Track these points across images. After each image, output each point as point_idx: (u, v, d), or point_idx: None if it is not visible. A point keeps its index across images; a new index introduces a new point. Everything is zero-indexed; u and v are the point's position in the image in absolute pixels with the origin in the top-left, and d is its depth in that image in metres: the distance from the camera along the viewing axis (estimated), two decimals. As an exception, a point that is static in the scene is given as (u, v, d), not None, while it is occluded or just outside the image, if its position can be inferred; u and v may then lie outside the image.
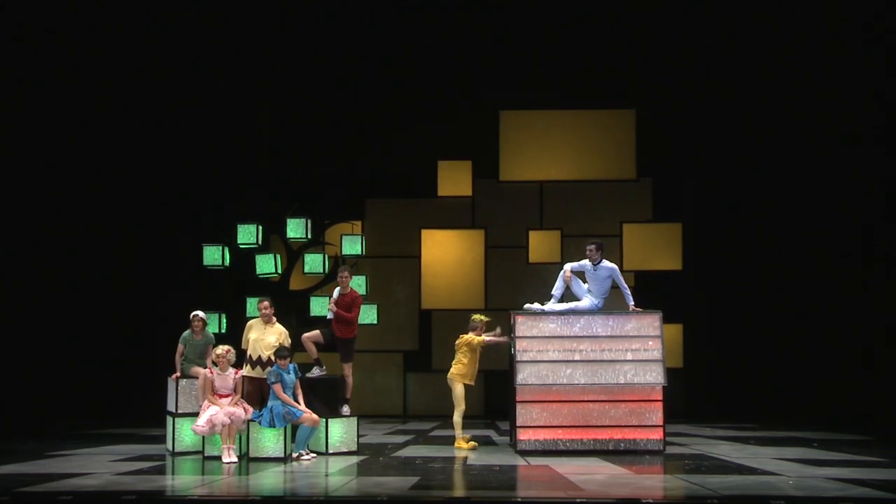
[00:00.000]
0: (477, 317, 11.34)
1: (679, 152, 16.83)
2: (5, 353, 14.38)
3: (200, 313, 11.12)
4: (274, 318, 10.62)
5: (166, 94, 16.05)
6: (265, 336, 10.48)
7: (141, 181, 16.04)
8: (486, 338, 11.17)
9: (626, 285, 11.17)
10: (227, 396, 10.19)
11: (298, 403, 10.09)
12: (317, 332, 11.05)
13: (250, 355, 10.50)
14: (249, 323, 10.79)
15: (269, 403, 10.01)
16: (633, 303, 11.11)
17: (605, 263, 11.13)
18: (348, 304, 10.99)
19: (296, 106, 16.84)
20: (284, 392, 9.98)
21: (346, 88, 16.99)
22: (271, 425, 9.93)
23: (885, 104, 14.64)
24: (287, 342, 10.51)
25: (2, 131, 14.62)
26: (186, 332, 11.06)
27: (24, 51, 14.97)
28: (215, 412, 9.98)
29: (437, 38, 16.72)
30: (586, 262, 11.19)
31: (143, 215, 15.99)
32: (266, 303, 10.60)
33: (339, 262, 14.43)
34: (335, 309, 10.92)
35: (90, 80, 15.54)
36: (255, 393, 10.41)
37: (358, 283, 14.26)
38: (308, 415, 10.03)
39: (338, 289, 11.07)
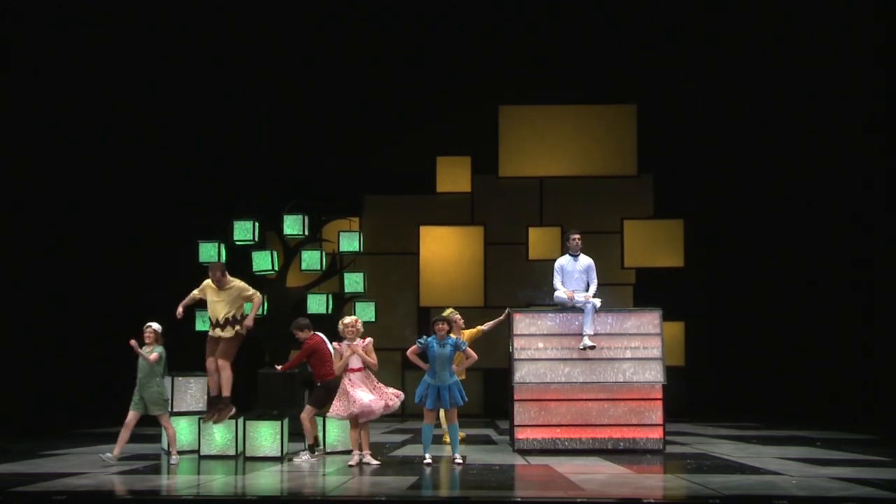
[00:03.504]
0: (447, 313, 11.32)
1: (680, 148, 16.73)
2: None
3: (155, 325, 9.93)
4: (227, 278, 10.25)
5: (164, 90, 15.97)
6: (220, 297, 10.19)
7: (138, 179, 15.94)
8: (482, 327, 11.67)
9: (596, 279, 11.01)
10: (358, 371, 9.53)
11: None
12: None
13: (209, 316, 10.36)
14: (206, 282, 10.42)
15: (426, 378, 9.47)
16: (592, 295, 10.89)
17: (583, 255, 11.05)
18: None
19: (294, 101, 16.73)
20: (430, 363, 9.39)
21: (344, 84, 16.90)
22: (423, 402, 9.40)
23: (888, 101, 14.53)
24: (243, 295, 10.18)
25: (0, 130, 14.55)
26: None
27: (22, 51, 14.88)
28: (369, 400, 9.33)
29: (437, 34, 16.64)
30: (565, 257, 11.03)
31: (139, 213, 15.90)
32: (214, 272, 10.20)
33: (336, 259, 14.39)
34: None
35: (88, 77, 15.45)
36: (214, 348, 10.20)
37: (356, 280, 14.17)
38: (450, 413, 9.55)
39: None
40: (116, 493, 7.79)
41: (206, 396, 10.64)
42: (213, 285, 10.34)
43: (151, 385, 9.71)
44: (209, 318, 10.42)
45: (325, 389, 9.81)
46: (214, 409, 10.25)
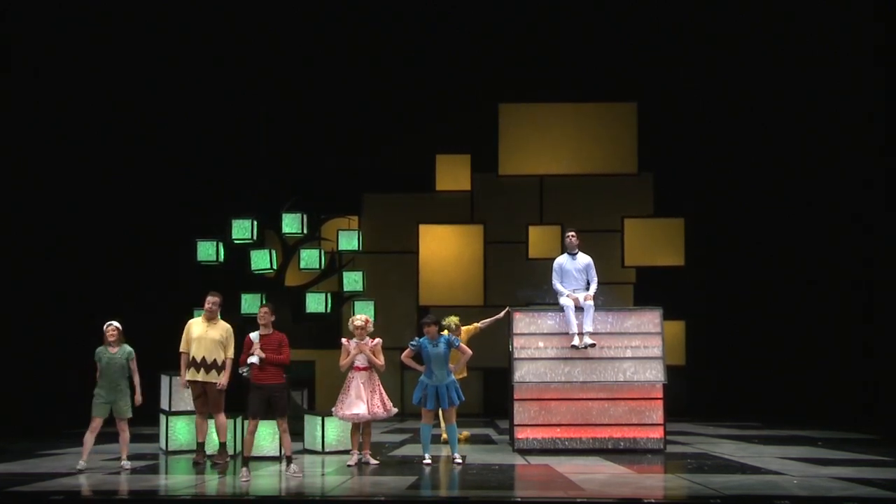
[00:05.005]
0: (451, 323, 11.27)
1: (681, 146, 16.71)
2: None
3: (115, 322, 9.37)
4: (218, 316, 9.69)
5: (164, 90, 15.94)
6: (208, 334, 9.51)
7: (138, 179, 15.91)
8: (478, 324, 11.73)
9: (595, 277, 10.98)
10: (364, 370, 9.47)
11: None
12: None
13: (193, 357, 9.48)
14: (189, 322, 9.85)
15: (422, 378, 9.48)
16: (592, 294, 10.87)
17: (582, 254, 11.03)
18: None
19: (293, 100, 16.70)
20: (428, 363, 9.39)
21: (344, 84, 16.87)
22: (422, 403, 9.40)
23: (888, 101, 14.50)
24: (231, 340, 9.55)
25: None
26: (100, 348, 9.32)
27: (22, 51, 14.85)
28: (361, 410, 9.30)
29: (436, 33, 16.61)
30: (563, 256, 11.00)
31: (139, 213, 15.86)
32: (216, 298, 9.60)
33: (335, 257, 14.33)
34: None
35: (88, 77, 15.41)
36: (202, 396, 9.56)
37: (355, 279, 14.11)
38: (449, 413, 9.53)
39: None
40: (115, 494, 7.77)
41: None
42: (203, 319, 9.59)
43: (123, 386, 9.19)
44: (192, 358, 9.51)
45: (288, 394, 9.36)
46: (202, 455, 9.65)
